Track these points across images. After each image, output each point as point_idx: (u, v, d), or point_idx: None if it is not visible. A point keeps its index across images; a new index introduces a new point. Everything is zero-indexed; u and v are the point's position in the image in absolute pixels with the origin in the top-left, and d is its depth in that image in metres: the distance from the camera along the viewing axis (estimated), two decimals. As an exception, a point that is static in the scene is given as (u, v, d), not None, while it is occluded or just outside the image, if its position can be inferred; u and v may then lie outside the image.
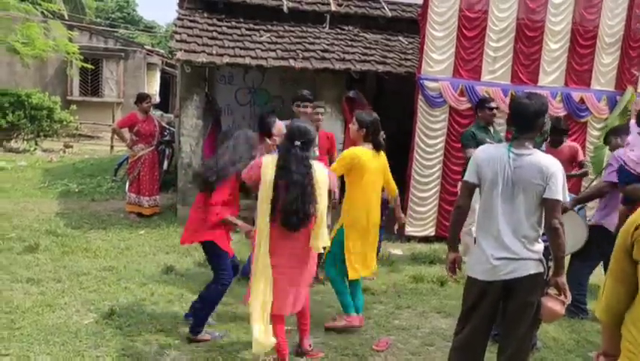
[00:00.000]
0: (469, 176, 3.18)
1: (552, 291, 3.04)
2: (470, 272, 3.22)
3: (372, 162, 4.48)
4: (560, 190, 2.98)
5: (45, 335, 4.09)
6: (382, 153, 4.62)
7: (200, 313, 4.23)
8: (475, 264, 3.18)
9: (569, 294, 3.03)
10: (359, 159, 4.42)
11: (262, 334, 3.53)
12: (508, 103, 7.31)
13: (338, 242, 4.49)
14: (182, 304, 4.85)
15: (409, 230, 7.40)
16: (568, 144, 5.94)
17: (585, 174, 6.21)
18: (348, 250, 4.47)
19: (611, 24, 7.62)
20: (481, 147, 3.34)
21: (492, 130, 6.20)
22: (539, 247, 3.08)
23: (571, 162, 5.88)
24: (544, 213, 3.04)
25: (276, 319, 3.75)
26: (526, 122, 3.06)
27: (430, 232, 7.46)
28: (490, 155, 3.13)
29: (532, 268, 3.03)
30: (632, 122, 4.48)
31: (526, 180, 3.00)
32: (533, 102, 3.06)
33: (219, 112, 9.58)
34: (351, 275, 4.55)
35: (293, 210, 3.47)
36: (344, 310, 4.55)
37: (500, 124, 6.91)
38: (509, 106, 3.36)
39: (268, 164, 3.57)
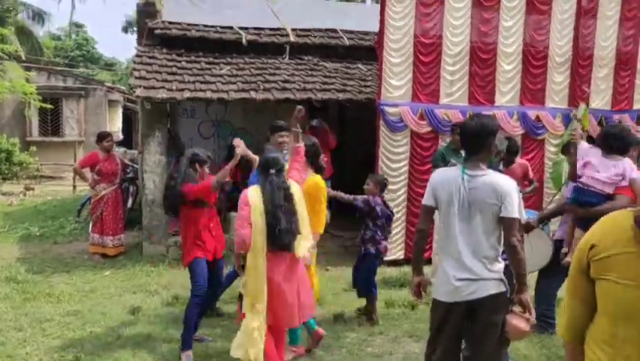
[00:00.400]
0: (426, 199, 3.23)
1: (517, 309, 3.05)
2: (435, 294, 3.23)
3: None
4: (515, 208, 3.02)
5: (6, 389, 3.93)
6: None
7: (183, 334, 4.40)
8: (439, 285, 3.20)
9: (533, 311, 3.06)
10: (323, 186, 4.48)
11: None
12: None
13: None
14: (151, 346, 4.73)
15: (379, 255, 7.41)
16: (518, 162, 6.10)
17: (535, 189, 6.40)
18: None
19: (560, 44, 7.91)
20: (437, 170, 3.39)
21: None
22: (500, 266, 3.11)
23: (523, 179, 6.04)
24: (502, 232, 3.08)
25: (280, 335, 3.96)
26: (473, 143, 3.14)
27: (399, 255, 7.49)
28: (444, 177, 3.18)
29: (493, 288, 3.05)
30: (585, 144, 4.55)
31: (481, 201, 3.03)
32: (475, 123, 3.14)
33: (183, 147, 9.51)
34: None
35: (285, 232, 3.75)
36: (293, 342, 4.53)
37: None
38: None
39: (254, 195, 3.82)
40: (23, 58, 17.73)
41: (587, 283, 1.79)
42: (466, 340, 3.20)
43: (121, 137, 19.98)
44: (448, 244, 3.13)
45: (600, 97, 8.19)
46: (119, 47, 69.21)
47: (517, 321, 3.03)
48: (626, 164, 4.08)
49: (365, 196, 5.19)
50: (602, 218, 1.82)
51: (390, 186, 7.38)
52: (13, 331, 5.02)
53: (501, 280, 3.08)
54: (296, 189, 3.96)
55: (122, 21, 40.45)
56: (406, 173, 7.45)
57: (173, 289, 6.24)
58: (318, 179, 4.47)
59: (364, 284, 5.33)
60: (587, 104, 7.91)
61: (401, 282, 6.61)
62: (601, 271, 1.72)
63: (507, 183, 3.07)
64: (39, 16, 24.87)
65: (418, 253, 3.38)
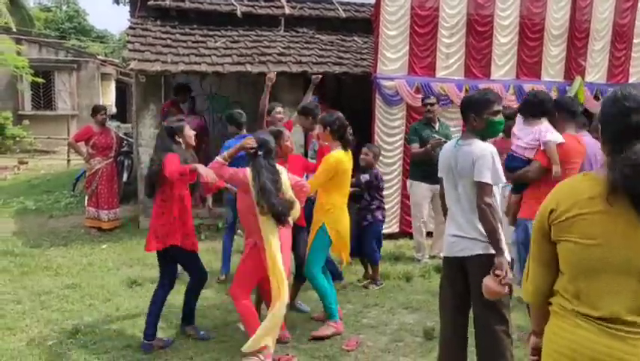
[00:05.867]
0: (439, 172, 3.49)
1: (498, 271, 3.07)
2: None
3: (349, 164, 4.54)
4: (484, 173, 3.09)
5: (7, 360, 3.98)
6: (350, 152, 4.59)
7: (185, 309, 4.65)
8: (443, 243, 3.50)
9: (509, 272, 3.09)
10: (343, 164, 4.43)
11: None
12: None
13: (321, 242, 4.50)
14: (149, 318, 4.78)
15: (374, 228, 7.46)
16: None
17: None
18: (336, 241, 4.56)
19: (557, 17, 7.84)
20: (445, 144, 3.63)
21: (438, 125, 6.41)
22: None
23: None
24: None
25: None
26: (463, 115, 3.34)
27: (394, 228, 7.54)
28: (445, 150, 3.43)
29: (481, 249, 3.18)
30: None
31: (462, 168, 3.21)
32: (465, 97, 3.39)
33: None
34: (347, 258, 4.76)
35: (279, 209, 3.91)
36: (330, 317, 4.51)
37: (453, 119, 7.18)
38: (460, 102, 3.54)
39: (248, 175, 3.98)
40: (14, 29, 17.49)
41: (549, 247, 1.89)
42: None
43: (114, 110, 19.86)
44: (448, 209, 3.40)
45: (596, 70, 8.16)
46: (111, 18, 68.11)
47: (489, 281, 3.06)
48: (541, 127, 4.17)
49: (374, 170, 5.64)
50: (559, 184, 1.93)
51: (385, 160, 7.41)
52: (12, 304, 5.06)
53: (488, 243, 3.14)
54: (284, 177, 4.10)
55: (113, -8, 39.65)
56: (401, 147, 7.45)
57: (170, 262, 6.28)
58: (335, 155, 4.43)
59: (372, 250, 5.63)
60: (583, 78, 7.93)
61: (396, 255, 6.68)
62: (560, 233, 1.83)
63: (482, 148, 3.14)
64: (29, -14, 24.41)
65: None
